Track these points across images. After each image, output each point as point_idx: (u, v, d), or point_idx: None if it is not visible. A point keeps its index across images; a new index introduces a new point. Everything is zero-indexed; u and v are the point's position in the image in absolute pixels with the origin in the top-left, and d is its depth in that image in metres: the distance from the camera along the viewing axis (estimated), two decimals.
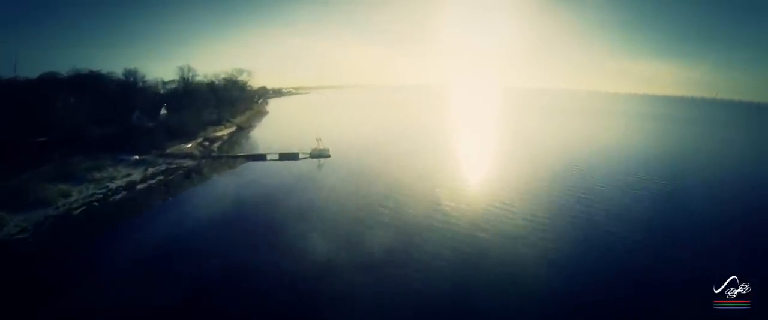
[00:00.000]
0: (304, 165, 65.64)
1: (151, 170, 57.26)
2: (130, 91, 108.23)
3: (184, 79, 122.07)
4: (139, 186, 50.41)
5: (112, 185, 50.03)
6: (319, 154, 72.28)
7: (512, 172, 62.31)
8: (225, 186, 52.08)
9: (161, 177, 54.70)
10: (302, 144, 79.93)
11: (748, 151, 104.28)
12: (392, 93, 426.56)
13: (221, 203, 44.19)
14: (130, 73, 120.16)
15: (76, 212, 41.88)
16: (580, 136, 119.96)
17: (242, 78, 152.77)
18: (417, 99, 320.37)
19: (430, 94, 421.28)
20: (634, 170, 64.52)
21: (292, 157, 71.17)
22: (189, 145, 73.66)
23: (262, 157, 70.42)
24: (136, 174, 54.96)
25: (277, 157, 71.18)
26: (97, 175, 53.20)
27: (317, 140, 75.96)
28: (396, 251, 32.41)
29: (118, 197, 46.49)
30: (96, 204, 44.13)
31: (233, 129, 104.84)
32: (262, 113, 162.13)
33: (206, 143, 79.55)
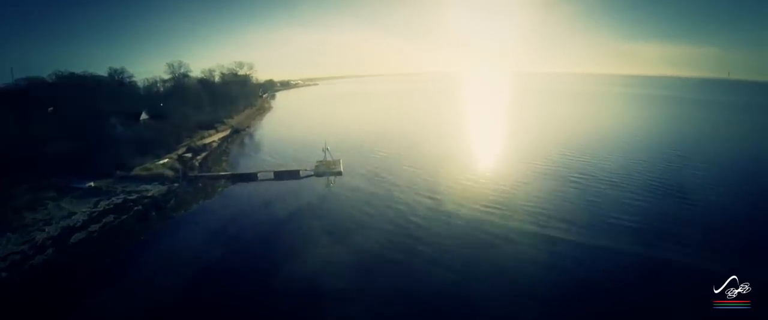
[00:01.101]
0: (308, 188, 50.58)
1: (102, 204, 44.19)
2: (114, 94, 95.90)
3: (174, 76, 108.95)
4: (76, 236, 37.27)
5: (40, 236, 37.06)
6: (326, 171, 56.52)
7: (513, 178, 54.04)
8: (192, 232, 37.95)
9: (112, 216, 41.47)
10: (307, 146, 69.71)
11: (753, 136, 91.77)
12: (407, 81, 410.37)
13: (180, 270, 30.49)
14: (117, 73, 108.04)
15: None
16: (577, 124, 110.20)
17: (243, 71, 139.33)
18: (433, 86, 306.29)
19: (444, 81, 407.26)
20: (632, 161, 60.58)
21: (292, 175, 55.87)
22: (164, 161, 60.28)
23: (252, 177, 55.53)
24: (81, 213, 41.94)
25: (271, 175, 56.18)
26: (30, 218, 40.40)
27: (324, 150, 60.03)
28: None
29: (39, 259, 33.43)
30: (4, 274, 31.25)
31: (227, 132, 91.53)
32: (265, 109, 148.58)
33: (188, 155, 66.22)
